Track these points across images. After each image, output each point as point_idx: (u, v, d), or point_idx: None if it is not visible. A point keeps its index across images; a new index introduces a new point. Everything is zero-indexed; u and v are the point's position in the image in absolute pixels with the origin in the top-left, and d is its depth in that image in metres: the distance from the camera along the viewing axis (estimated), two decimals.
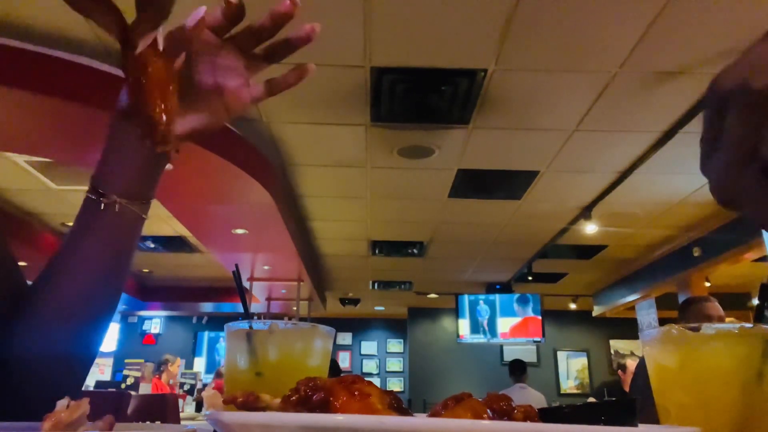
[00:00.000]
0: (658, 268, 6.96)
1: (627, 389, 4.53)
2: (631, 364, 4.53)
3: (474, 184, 4.82)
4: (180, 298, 9.77)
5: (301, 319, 7.94)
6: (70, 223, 0.68)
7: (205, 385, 6.99)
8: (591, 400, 5.06)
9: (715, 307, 2.94)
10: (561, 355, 10.69)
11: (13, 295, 0.67)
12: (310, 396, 0.39)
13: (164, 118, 0.56)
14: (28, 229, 5.90)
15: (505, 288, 8.74)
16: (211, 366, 10.53)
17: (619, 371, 4.69)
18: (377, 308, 11.11)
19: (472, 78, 3.21)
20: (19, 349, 0.63)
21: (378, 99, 3.44)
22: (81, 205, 0.66)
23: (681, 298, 6.53)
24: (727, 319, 3.17)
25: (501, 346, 10.33)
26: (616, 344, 10.37)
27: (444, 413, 0.39)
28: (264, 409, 0.41)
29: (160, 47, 0.57)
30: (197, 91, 0.63)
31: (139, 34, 0.55)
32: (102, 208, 0.64)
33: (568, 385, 10.56)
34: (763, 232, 4.60)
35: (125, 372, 6.60)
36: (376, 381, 6.14)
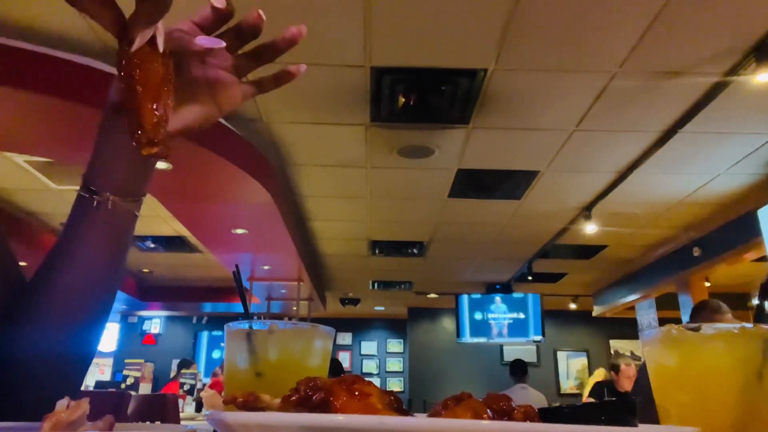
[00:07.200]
0: (658, 268, 6.96)
1: (620, 390, 4.52)
2: (625, 368, 4.51)
3: (474, 184, 4.82)
4: (180, 298, 9.76)
5: (301, 319, 7.94)
6: None
7: (204, 385, 6.99)
8: (590, 399, 5.05)
9: (729, 320, 2.76)
10: (561, 355, 10.69)
11: (13, 295, 0.67)
12: (310, 396, 0.39)
13: (154, 120, 0.53)
14: (28, 229, 5.89)
15: (505, 288, 8.74)
16: (210, 366, 10.52)
17: (612, 372, 4.67)
18: (377, 308, 11.11)
19: (472, 78, 3.21)
20: (17, 349, 0.63)
21: (378, 99, 3.44)
22: (73, 203, 0.66)
23: (681, 298, 6.53)
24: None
25: (501, 346, 10.33)
26: (616, 344, 10.36)
27: (444, 413, 0.39)
28: (264, 409, 0.41)
29: (160, 45, 0.54)
30: (188, 88, 0.62)
31: (137, 29, 0.52)
32: (94, 205, 0.64)
33: (568, 385, 10.56)
34: (762, 232, 4.59)
35: (125, 372, 6.60)
36: (376, 381, 6.13)
